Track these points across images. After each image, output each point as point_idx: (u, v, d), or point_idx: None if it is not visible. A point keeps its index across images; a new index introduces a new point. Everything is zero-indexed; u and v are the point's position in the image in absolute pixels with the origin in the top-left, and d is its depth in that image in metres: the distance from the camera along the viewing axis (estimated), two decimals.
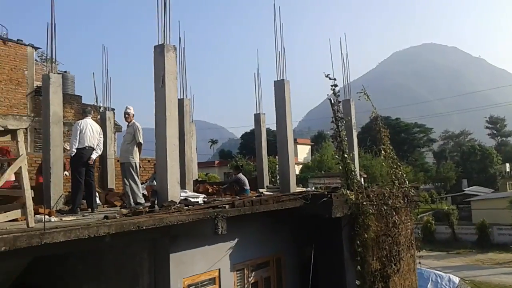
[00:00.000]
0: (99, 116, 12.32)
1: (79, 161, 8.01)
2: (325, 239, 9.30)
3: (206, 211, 6.50)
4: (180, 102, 10.75)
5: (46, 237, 4.47)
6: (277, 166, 19.84)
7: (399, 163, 11.47)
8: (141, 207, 7.23)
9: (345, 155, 9.88)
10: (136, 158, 8.18)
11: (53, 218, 6.27)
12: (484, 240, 33.56)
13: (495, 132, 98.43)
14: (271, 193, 10.27)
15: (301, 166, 47.20)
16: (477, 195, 45.46)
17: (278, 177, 15.89)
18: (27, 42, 19.25)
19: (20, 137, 5.19)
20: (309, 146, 61.82)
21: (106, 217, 5.84)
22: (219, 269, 7.57)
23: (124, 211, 6.77)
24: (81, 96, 20.85)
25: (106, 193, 10.20)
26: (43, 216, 5.33)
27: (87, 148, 8.08)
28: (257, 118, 14.10)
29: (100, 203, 9.22)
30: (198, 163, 17.26)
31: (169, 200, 6.97)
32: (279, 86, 10.41)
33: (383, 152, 11.31)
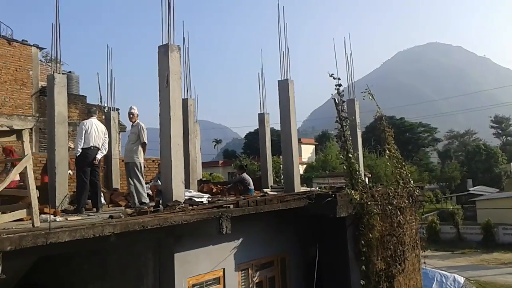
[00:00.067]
0: (103, 116, 12.35)
1: (85, 161, 8.03)
2: (330, 239, 9.29)
3: (211, 211, 6.50)
4: (184, 102, 10.75)
5: (52, 236, 4.48)
6: (281, 166, 19.83)
7: (403, 163, 11.44)
8: (146, 207, 7.25)
9: (350, 155, 9.87)
10: (140, 158, 8.20)
11: (58, 218, 6.30)
12: (489, 240, 33.43)
13: (500, 131, 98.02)
14: (275, 193, 10.27)
15: (305, 166, 47.19)
16: (482, 194, 45.29)
17: (282, 177, 15.88)
18: (31, 43, 19.33)
19: (25, 137, 5.21)
20: (313, 146, 61.81)
21: (111, 217, 5.85)
22: (224, 269, 7.57)
23: (129, 210, 6.79)
24: (86, 96, 20.93)
25: (111, 193, 10.23)
26: (48, 216, 5.35)
27: (92, 148, 8.10)
28: (261, 118, 14.09)
29: (105, 203, 9.24)
30: (202, 163, 17.26)
31: (174, 200, 6.98)
32: (283, 86, 10.41)
33: (387, 151, 11.29)
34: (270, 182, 13.87)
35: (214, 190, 11.75)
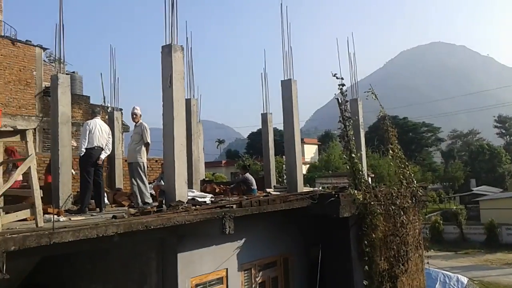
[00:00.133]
0: (107, 116, 12.38)
1: (88, 161, 8.05)
2: (333, 239, 9.28)
3: (214, 211, 6.51)
4: (188, 102, 10.77)
5: (55, 236, 4.50)
6: (284, 166, 19.83)
7: (407, 163, 11.43)
8: (149, 207, 7.25)
9: (353, 155, 9.86)
10: (143, 158, 8.21)
11: (61, 218, 6.31)
12: (492, 240, 33.36)
13: (503, 131, 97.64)
14: (278, 193, 10.26)
15: (308, 166, 47.17)
16: (486, 194, 45.14)
17: (285, 177, 15.88)
18: (35, 43, 19.40)
19: (29, 137, 5.23)
20: (316, 146, 61.79)
21: (114, 217, 5.87)
22: (227, 269, 7.57)
23: (132, 210, 6.80)
24: (89, 97, 20.99)
25: (114, 193, 10.24)
26: (52, 216, 5.36)
27: (96, 148, 8.12)
28: (264, 117, 14.10)
29: (108, 203, 9.26)
30: (205, 163, 17.28)
31: (177, 200, 6.99)
32: (286, 86, 10.40)
33: (390, 151, 11.28)
34: (273, 182, 13.87)
35: (217, 190, 11.76)
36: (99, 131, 8.23)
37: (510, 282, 22.02)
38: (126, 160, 9.70)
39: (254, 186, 12.07)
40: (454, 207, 39.51)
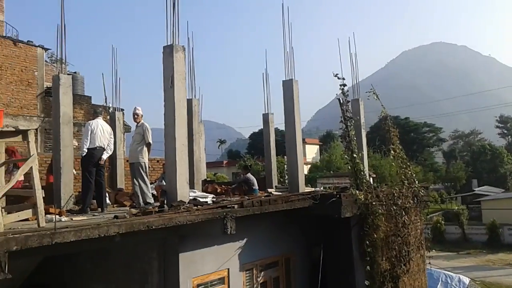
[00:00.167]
0: (108, 117, 12.40)
1: (90, 161, 8.06)
2: (334, 239, 9.28)
3: (215, 211, 6.51)
4: (189, 102, 10.78)
5: (57, 236, 4.50)
6: (285, 166, 19.83)
7: (408, 163, 11.41)
8: (151, 207, 7.26)
9: (354, 155, 9.86)
10: (145, 158, 8.21)
11: (63, 218, 6.32)
12: (494, 240, 33.32)
13: (505, 131, 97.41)
14: (279, 193, 10.27)
15: (309, 166, 47.15)
16: (487, 195, 45.07)
17: (286, 177, 15.87)
18: (37, 43, 19.42)
19: (31, 137, 5.24)
20: (318, 146, 61.76)
21: (116, 217, 5.87)
22: (228, 269, 7.58)
23: (133, 211, 6.81)
24: (91, 97, 21.00)
25: (115, 193, 10.26)
26: (53, 216, 5.37)
27: (97, 148, 8.13)
28: (266, 118, 14.10)
29: (110, 203, 9.27)
30: (207, 163, 17.28)
31: (178, 200, 6.99)
32: (288, 86, 10.40)
33: (392, 152, 11.26)
34: (275, 182, 13.87)
35: (219, 190, 11.76)
36: (101, 131, 8.24)
37: None
38: (127, 160, 9.70)
39: (256, 186, 12.07)
40: (456, 208, 39.46)
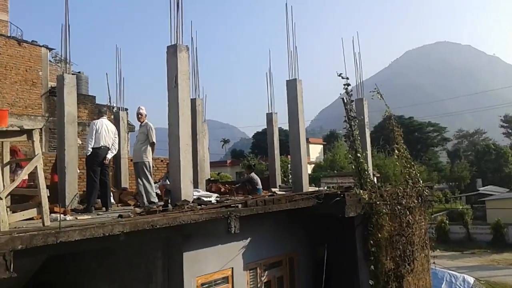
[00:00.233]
0: (112, 116, 12.43)
1: (95, 161, 8.08)
2: (338, 238, 9.27)
3: (219, 210, 6.52)
4: (193, 102, 10.79)
5: (62, 235, 4.52)
6: (289, 165, 19.82)
7: (412, 163, 11.40)
8: (155, 206, 7.27)
9: (358, 154, 9.84)
10: (149, 157, 8.23)
11: (68, 217, 6.34)
12: (499, 240, 33.21)
13: (510, 131, 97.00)
14: (283, 193, 10.26)
15: (313, 165, 47.10)
16: (492, 194, 44.92)
17: (290, 176, 15.87)
18: (41, 43, 19.49)
19: (36, 137, 5.25)
20: (321, 146, 61.67)
21: (120, 216, 5.89)
22: (232, 268, 7.58)
23: (138, 210, 6.82)
24: (95, 97, 21.07)
25: (120, 192, 10.28)
26: (58, 215, 5.39)
27: (102, 147, 8.15)
28: (269, 117, 14.10)
29: (114, 202, 9.29)
30: (210, 163, 17.30)
31: (182, 199, 7.00)
32: (292, 86, 10.39)
33: (396, 151, 11.25)
34: (278, 181, 13.87)
35: (222, 189, 11.77)
36: (106, 131, 8.26)
37: None
38: (131, 160, 9.73)
39: (260, 186, 12.07)
40: (460, 207, 39.38)
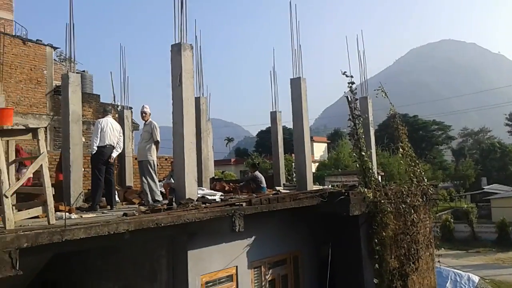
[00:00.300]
0: (117, 115, 12.46)
1: (100, 159, 8.10)
2: (343, 237, 9.26)
3: (224, 209, 6.52)
4: (197, 100, 10.79)
5: (67, 233, 4.53)
6: (293, 164, 19.81)
7: (417, 161, 11.37)
8: (159, 205, 7.28)
9: (363, 153, 9.83)
10: (153, 156, 8.24)
11: (73, 215, 6.36)
12: (504, 238, 33.06)
13: None
14: (288, 191, 10.26)
15: (317, 164, 47.09)
16: (497, 193, 44.72)
17: (294, 175, 15.86)
18: (46, 42, 19.56)
19: (41, 135, 5.27)
20: (326, 144, 61.65)
21: (125, 214, 5.90)
22: (236, 266, 7.59)
23: (142, 208, 6.84)
24: (99, 95, 21.15)
25: (124, 191, 10.30)
26: (63, 213, 5.41)
27: (107, 146, 8.17)
28: (273, 116, 14.09)
29: (119, 201, 9.32)
30: (214, 161, 17.30)
31: (187, 197, 7.01)
32: (296, 84, 10.38)
33: (401, 149, 11.23)
34: (283, 180, 13.86)
35: (227, 188, 11.77)
36: (111, 130, 8.27)
37: None
38: (136, 158, 9.75)
39: (264, 184, 12.06)
40: (465, 206, 39.27)
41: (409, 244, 9.84)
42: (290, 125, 12.19)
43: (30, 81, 18.40)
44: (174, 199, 7.40)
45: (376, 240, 8.97)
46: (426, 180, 11.26)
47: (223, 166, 49.16)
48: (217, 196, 8.03)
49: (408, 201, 9.94)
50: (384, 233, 9.02)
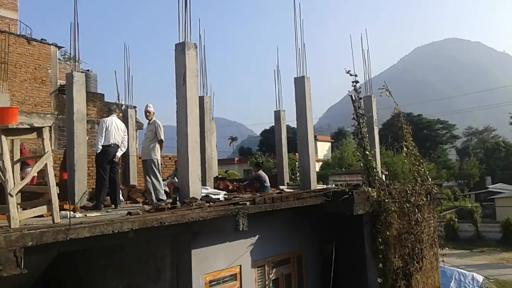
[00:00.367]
0: (121, 114, 12.48)
1: (104, 158, 8.13)
2: (347, 236, 9.25)
3: (227, 208, 6.53)
4: (201, 99, 10.80)
5: (72, 232, 4.55)
6: (297, 163, 19.80)
7: (421, 160, 11.32)
8: (163, 204, 7.30)
9: (367, 152, 9.81)
10: (157, 155, 8.26)
11: (77, 214, 6.39)
12: (508, 238, 32.92)
13: None
14: (291, 190, 10.26)
15: (321, 163, 47.06)
16: (502, 192, 44.54)
17: (298, 174, 15.86)
18: (50, 42, 19.61)
19: (46, 134, 5.29)
20: (329, 143, 61.59)
21: (129, 213, 5.92)
22: (240, 266, 7.60)
23: (146, 207, 6.86)
24: (104, 94, 21.20)
25: (128, 190, 10.34)
26: (68, 212, 5.43)
27: (112, 145, 8.19)
28: (277, 115, 14.08)
29: (123, 200, 9.34)
30: (218, 160, 17.33)
31: (191, 196, 7.02)
32: (299, 83, 10.37)
33: (405, 149, 11.18)
34: (286, 179, 13.86)
35: (230, 187, 11.79)
36: (115, 129, 8.30)
37: None
38: (140, 158, 9.77)
39: (267, 183, 12.07)
40: (469, 205, 39.10)
41: (413, 244, 9.81)
42: (294, 124, 12.18)
43: (34, 80, 18.46)
44: (178, 198, 7.41)
45: (380, 240, 8.95)
46: (430, 179, 11.21)
47: (227, 165, 49.21)
48: (221, 195, 8.04)
49: (412, 200, 9.91)
50: (388, 233, 9.00)
